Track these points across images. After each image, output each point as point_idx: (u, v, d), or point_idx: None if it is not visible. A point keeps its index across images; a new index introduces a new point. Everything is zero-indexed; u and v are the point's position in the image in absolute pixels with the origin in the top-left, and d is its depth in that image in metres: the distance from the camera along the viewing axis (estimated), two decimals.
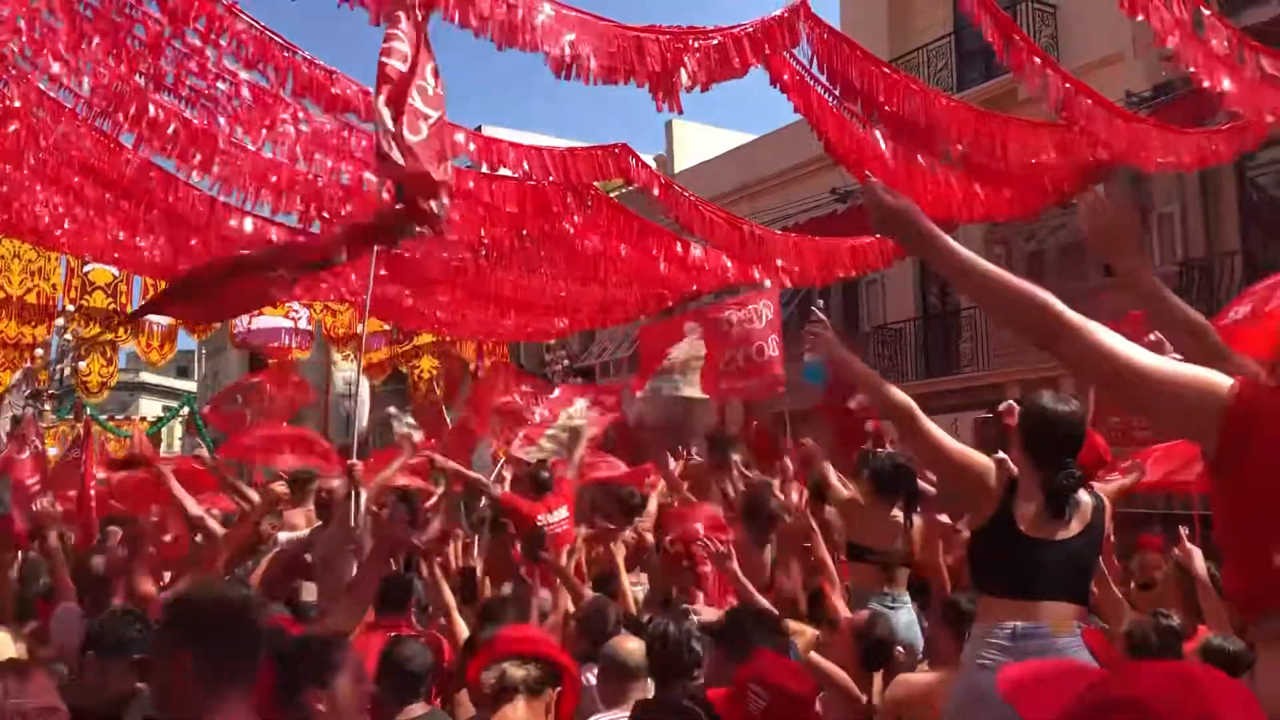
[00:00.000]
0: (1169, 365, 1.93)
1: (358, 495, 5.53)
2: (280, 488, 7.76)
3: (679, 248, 7.91)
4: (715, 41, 4.91)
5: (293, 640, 2.64)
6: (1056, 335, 1.95)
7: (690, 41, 4.87)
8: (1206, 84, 4.96)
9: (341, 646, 2.58)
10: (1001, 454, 3.49)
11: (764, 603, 4.32)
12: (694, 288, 9.22)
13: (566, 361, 23.68)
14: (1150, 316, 2.57)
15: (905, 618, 5.13)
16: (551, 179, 6.07)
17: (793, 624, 3.65)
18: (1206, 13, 5.06)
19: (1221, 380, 1.88)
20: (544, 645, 2.58)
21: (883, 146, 6.01)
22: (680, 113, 5.04)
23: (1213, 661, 3.39)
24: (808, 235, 8.59)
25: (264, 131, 5.42)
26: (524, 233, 6.97)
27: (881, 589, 5.26)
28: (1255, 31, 9.90)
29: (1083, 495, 3.38)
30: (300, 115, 5.59)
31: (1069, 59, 15.74)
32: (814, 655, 3.57)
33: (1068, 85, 5.36)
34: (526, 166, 6.01)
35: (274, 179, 5.72)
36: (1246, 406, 1.82)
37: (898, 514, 5.39)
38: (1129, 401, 2.01)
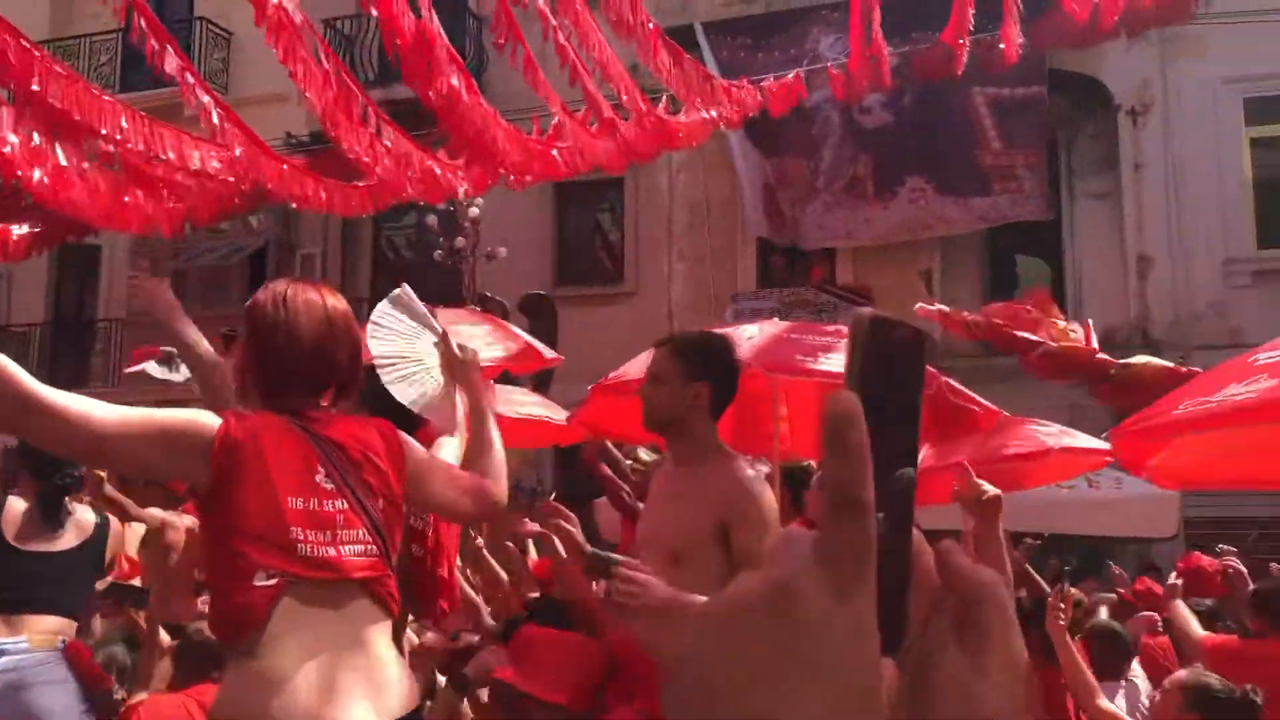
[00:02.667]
0: (149, 414, 1.98)
1: None
2: None
3: None
4: None
5: None
6: (26, 411, 1.80)
7: None
8: (344, 144, 5.41)
9: None
10: None
11: None
12: None
13: None
14: (187, 363, 2.71)
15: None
16: None
17: None
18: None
19: (208, 418, 2.02)
20: None
21: (8, 131, 5.43)
22: None
23: None
24: None
25: None
26: None
27: None
28: (398, 104, 11.08)
29: (87, 512, 3.51)
30: None
31: (241, 88, 15.98)
32: None
33: (219, 111, 5.42)
34: None
35: None
36: (231, 434, 1.99)
37: None
38: (123, 462, 2.03)
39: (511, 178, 5.92)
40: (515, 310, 12.02)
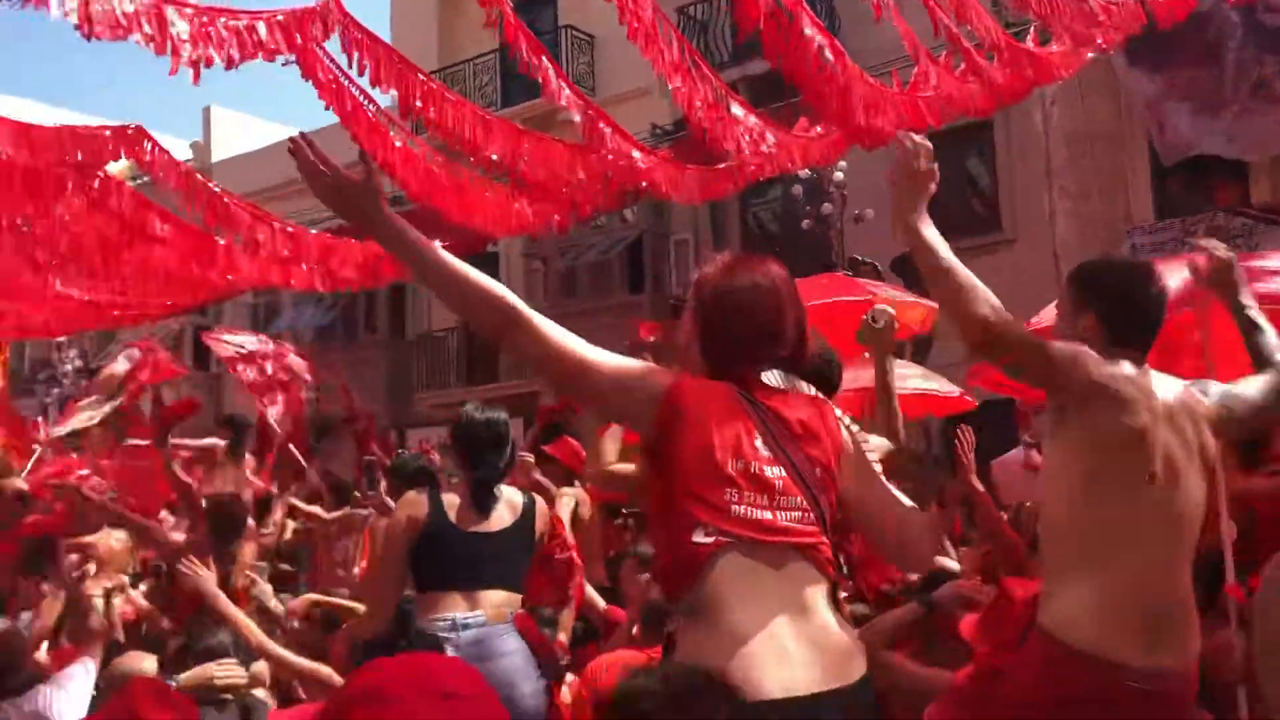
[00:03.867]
0: (614, 360, 2.11)
1: None
2: None
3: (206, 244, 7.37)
4: (244, 23, 4.64)
5: None
6: (513, 325, 2.05)
7: (217, 20, 4.57)
8: (705, 127, 5.49)
9: None
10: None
11: None
12: (229, 279, 8.67)
13: (79, 362, 21.28)
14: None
15: None
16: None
17: None
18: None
19: (661, 374, 2.14)
20: None
21: (422, 155, 6.01)
22: (195, 84, 4.73)
23: None
24: (344, 238, 8.38)
25: None
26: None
27: None
28: (754, 80, 11.12)
29: (515, 494, 3.82)
30: None
31: (605, 88, 16.81)
32: None
33: (590, 112, 5.68)
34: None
35: None
36: (678, 391, 2.07)
37: None
38: (579, 393, 2.21)
39: (874, 135, 5.74)
40: (888, 271, 11.72)
